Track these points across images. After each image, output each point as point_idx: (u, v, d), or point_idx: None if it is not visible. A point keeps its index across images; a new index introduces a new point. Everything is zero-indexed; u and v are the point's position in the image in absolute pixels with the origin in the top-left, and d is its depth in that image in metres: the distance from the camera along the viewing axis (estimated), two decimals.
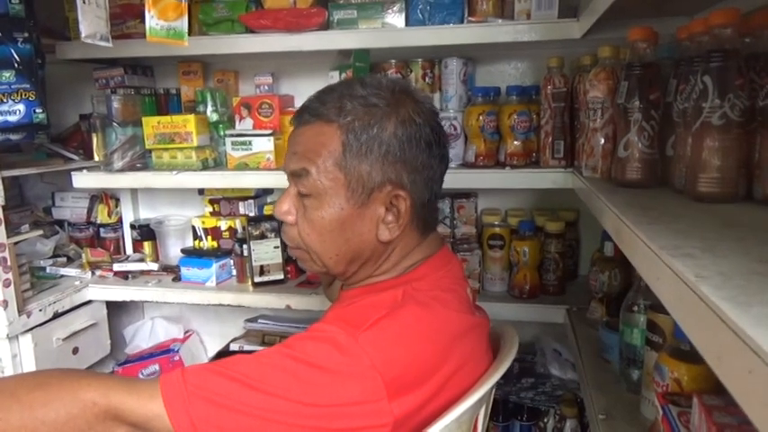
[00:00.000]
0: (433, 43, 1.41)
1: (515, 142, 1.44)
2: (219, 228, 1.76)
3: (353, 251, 0.83)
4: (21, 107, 1.37)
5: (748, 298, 0.38)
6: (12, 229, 1.47)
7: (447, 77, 1.53)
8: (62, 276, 1.69)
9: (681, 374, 0.77)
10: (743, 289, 0.40)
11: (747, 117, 0.70)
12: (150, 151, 1.62)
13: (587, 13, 1.20)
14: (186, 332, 1.99)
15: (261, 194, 1.80)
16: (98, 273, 1.72)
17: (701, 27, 0.76)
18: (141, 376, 1.76)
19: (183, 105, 1.80)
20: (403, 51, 1.53)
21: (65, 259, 1.77)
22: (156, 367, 1.79)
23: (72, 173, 1.64)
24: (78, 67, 1.77)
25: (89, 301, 1.66)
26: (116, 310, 1.85)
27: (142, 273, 1.74)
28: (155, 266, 1.74)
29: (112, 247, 1.89)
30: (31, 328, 1.45)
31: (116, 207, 1.93)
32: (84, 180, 1.65)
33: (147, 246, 1.84)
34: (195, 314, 2.01)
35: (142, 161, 1.64)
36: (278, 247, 1.60)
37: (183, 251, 1.76)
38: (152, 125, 1.58)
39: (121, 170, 1.61)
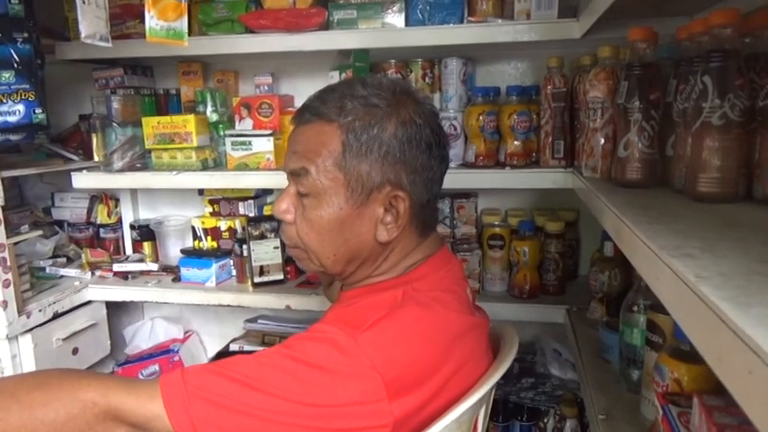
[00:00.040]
0: (433, 43, 1.41)
1: (515, 142, 1.44)
2: (219, 228, 1.76)
3: (352, 251, 0.83)
4: (20, 107, 1.37)
5: (748, 298, 0.38)
6: (11, 230, 1.47)
7: (447, 77, 1.53)
8: (62, 277, 1.69)
9: (681, 374, 0.77)
10: (743, 289, 0.40)
11: (747, 117, 0.70)
12: (150, 151, 1.62)
13: (587, 14, 1.20)
14: (186, 332, 1.99)
15: (261, 195, 1.80)
16: (98, 273, 1.72)
17: (701, 27, 0.76)
18: (141, 377, 1.76)
19: (183, 105, 1.80)
20: (403, 51, 1.53)
21: (64, 260, 1.77)
22: (156, 368, 1.79)
23: (72, 173, 1.64)
24: (78, 67, 1.77)
25: (89, 302, 1.66)
26: (116, 310, 1.85)
27: (142, 273, 1.73)
28: (154, 267, 1.74)
29: (112, 248, 1.89)
30: (31, 329, 1.45)
31: (116, 207, 1.93)
32: (83, 180, 1.65)
33: (146, 246, 1.84)
34: (195, 314, 2.01)
35: (142, 161, 1.64)
36: (278, 248, 1.60)
37: (182, 251, 1.76)
38: (152, 125, 1.58)
39: (121, 170, 1.61)
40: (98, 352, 1.70)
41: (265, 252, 1.60)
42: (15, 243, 1.44)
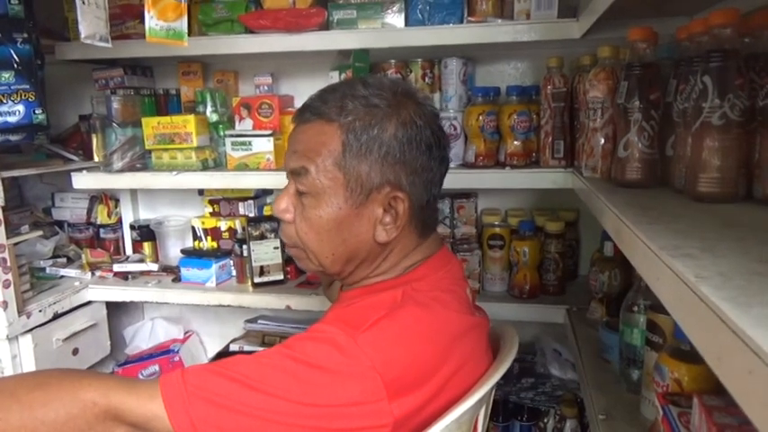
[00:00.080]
0: (433, 43, 1.41)
1: (515, 142, 1.44)
2: (219, 228, 1.76)
3: (350, 251, 0.83)
4: (20, 108, 1.37)
5: (748, 298, 0.38)
6: (11, 230, 1.47)
7: (447, 77, 1.53)
8: (62, 277, 1.69)
9: (681, 375, 0.77)
10: (743, 289, 0.40)
11: (747, 117, 0.70)
12: (150, 152, 1.62)
13: (587, 13, 1.20)
14: (186, 333, 1.99)
15: (260, 195, 1.80)
16: (98, 273, 1.72)
17: (701, 27, 0.76)
18: (141, 377, 1.76)
19: (183, 106, 1.80)
20: (403, 51, 1.53)
21: (64, 260, 1.77)
22: (156, 368, 1.79)
23: (72, 173, 1.64)
24: (78, 67, 1.77)
25: (89, 302, 1.66)
26: (116, 310, 1.85)
27: (142, 273, 1.74)
28: (154, 267, 1.74)
29: (112, 248, 1.89)
30: (31, 329, 1.45)
31: (116, 208, 1.93)
32: (83, 181, 1.65)
33: (146, 246, 1.84)
34: (195, 315, 2.01)
35: (142, 162, 1.64)
36: (278, 248, 1.60)
37: (182, 252, 1.76)
38: (152, 126, 1.58)
39: (121, 171, 1.62)
40: (98, 352, 1.70)
41: (265, 252, 1.60)
42: (15, 243, 1.44)
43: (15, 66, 1.36)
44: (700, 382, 0.74)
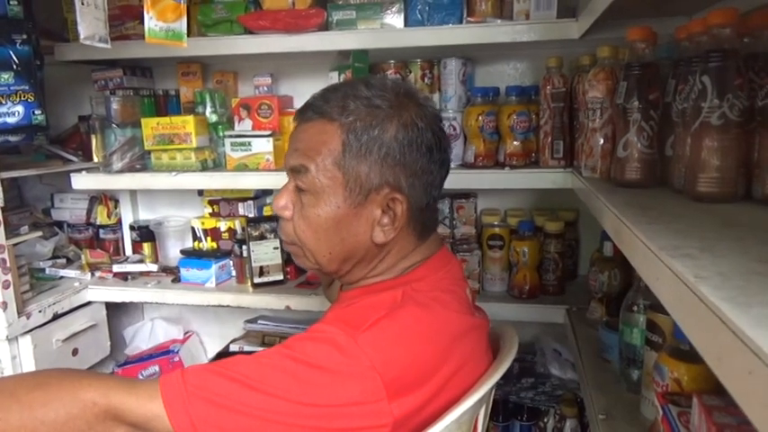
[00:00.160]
0: (432, 44, 1.41)
1: (515, 142, 1.44)
2: (219, 229, 1.76)
3: (347, 251, 0.83)
4: (20, 109, 1.37)
5: (748, 298, 0.38)
6: (11, 231, 1.47)
7: (446, 78, 1.53)
8: (61, 278, 1.69)
9: (681, 374, 0.77)
10: (742, 289, 0.40)
11: (746, 117, 0.70)
12: (149, 152, 1.62)
13: (586, 14, 1.20)
14: (186, 333, 1.99)
15: (260, 195, 1.80)
16: (97, 274, 1.72)
17: (700, 27, 0.76)
18: (141, 377, 1.76)
19: (183, 106, 1.80)
20: (402, 52, 1.53)
21: (64, 260, 1.77)
22: (156, 368, 1.79)
23: (71, 174, 1.64)
24: (77, 68, 1.77)
25: (89, 303, 1.66)
26: (116, 311, 1.85)
27: (141, 274, 1.73)
28: (154, 267, 1.74)
29: (112, 249, 1.89)
30: (31, 330, 1.45)
31: (115, 208, 1.93)
32: (83, 181, 1.64)
33: (146, 247, 1.84)
34: (195, 315, 2.01)
35: (141, 162, 1.64)
36: (277, 248, 1.60)
37: (182, 252, 1.76)
38: (151, 126, 1.58)
39: (121, 171, 1.61)
40: (98, 353, 1.70)
41: (265, 252, 1.60)
42: (15, 244, 1.44)
43: (15, 66, 1.36)
44: (699, 382, 0.74)
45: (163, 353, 1.85)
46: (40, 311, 1.48)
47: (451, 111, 1.51)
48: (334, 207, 0.80)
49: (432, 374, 0.74)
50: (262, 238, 1.59)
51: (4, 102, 1.35)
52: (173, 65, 1.80)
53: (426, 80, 1.57)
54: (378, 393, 0.68)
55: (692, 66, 0.74)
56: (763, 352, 0.31)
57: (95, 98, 1.73)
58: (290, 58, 1.66)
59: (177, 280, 1.68)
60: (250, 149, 1.55)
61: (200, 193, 1.82)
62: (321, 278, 1.28)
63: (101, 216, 1.90)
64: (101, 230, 1.90)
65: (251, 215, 1.76)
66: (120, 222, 1.93)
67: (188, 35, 1.30)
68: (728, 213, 0.67)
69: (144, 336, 1.94)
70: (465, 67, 1.53)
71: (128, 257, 1.84)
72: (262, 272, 1.61)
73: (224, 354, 1.78)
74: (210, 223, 1.77)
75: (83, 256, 1.78)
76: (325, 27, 1.48)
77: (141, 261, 1.79)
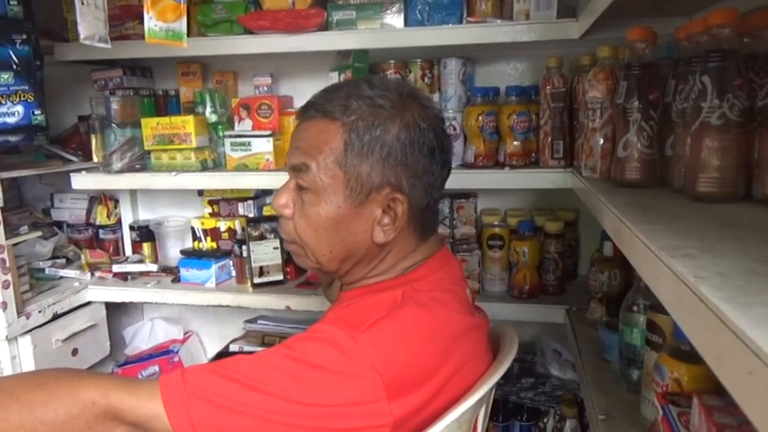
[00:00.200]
0: (432, 44, 1.41)
1: (515, 142, 1.44)
2: (219, 229, 1.76)
3: (347, 250, 0.83)
4: (19, 109, 1.37)
5: (748, 298, 0.38)
6: (11, 231, 1.47)
7: (446, 78, 1.53)
8: (61, 278, 1.69)
9: (681, 374, 0.77)
10: (742, 289, 0.40)
11: (746, 117, 0.70)
12: (149, 152, 1.62)
13: (586, 14, 1.20)
14: (186, 333, 1.99)
15: (260, 195, 1.80)
16: (97, 274, 1.72)
17: (700, 27, 0.76)
18: (141, 377, 1.76)
19: (182, 106, 1.80)
20: (402, 52, 1.53)
21: (64, 260, 1.77)
22: (156, 368, 1.79)
23: (71, 174, 1.64)
24: (77, 68, 1.77)
25: (88, 303, 1.66)
26: (115, 311, 1.85)
27: (141, 274, 1.73)
28: (154, 268, 1.74)
29: (111, 249, 1.89)
30: (31, 330, 1.45)
31: (115, 208, 1.93)
32: (82, 181, 1.64)
33: (146, 247, 1.84)
34: (195, 315, 2.01)
35: (141, 162, 1.64)
36: (277, 248, 1.60)
37: (182, 252, 1.75)
38: (151, 126, 1.58)
39: (120, 171, 1.61)
40: (98, 353, 1.70)
41: (265, 253, 1.60)
42: (15, 244, 1.44)
43: (14, 66, 1.36)
44: (699, 382, 0.74)
45: (162, 353, 1.85)
46: (39, 311, 1.48)
47: (451, 111, 1.51)
48: (334, 206, 0.80)
49: (432, 374, 0.74)
50: (262, 238, 1.59)
51: (3, 102, 1.35)
52: (173, 65, 1.80)
53: (426, 80, 1.57)
54: (378, 393, 0.68)
55: (692, 66, 0.74)
56: (763, 352, 0.31)
57: (95, 98, 1.73)
58: (289, 58, 1.66)
59: (177, 280, 1.68)
60: (250, 149, 1.55)
61: (200, 193, 1.82)
62: (321, 278, 1.28)
63: (100, 216, 1.90)
64: (100, 230, 1.90)
65: (251, 215, 1.76)
66: (119, 222, 1.93)
67: (188, 35, 1.30)
68: (728, 213, 0.67)
69: (144, 336, 1.94)
70: (465, 67, 1.53)
71: (127, 257, 1.84)
72: (262, 272, 1.61)
73: (224, 354, 1.78)
74: (210, 223, 1.77)
75: (82, 256, 1.78)
76: (325, 27, 1.48)
77: (141, 261, 1.79)
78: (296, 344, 0.72)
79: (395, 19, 1.45)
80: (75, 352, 1.59)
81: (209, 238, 1.77)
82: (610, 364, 1.14)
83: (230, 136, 1.58)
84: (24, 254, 1.55)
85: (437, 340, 0.76)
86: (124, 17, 1.58)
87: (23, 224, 1.69)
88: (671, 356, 0.80)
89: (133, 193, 1.95)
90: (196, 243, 1.78)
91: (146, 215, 1.97)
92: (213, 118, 1.67)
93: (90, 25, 1.20)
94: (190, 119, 1.56)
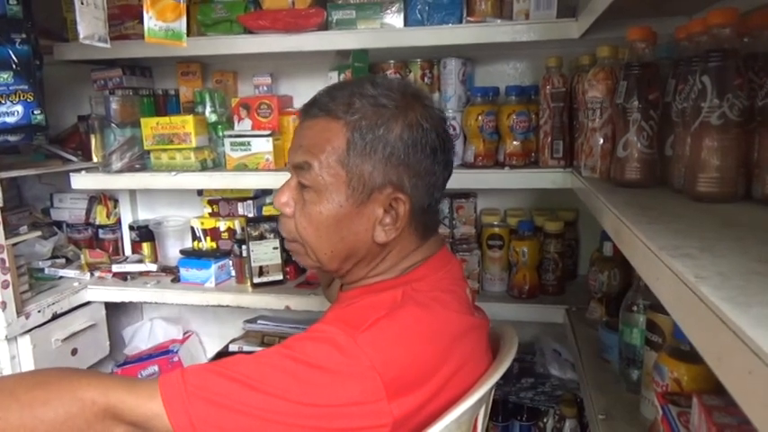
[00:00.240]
0: (432, 43, 1.41)
1: (514, 142, 1.44)
2: (218, 228, 1.76)
3: (348, 249, 0.83)
4: (19, 108, 1.37)
5: (748, 298, 0.38)
6: (10, 231, 1.47)
7: (446, 77, 1.53)
8: (61, 277, 1.69)
9: (680, 374, 0.77)
10: (742, 289, 0.40)
11: (746, 117, 0.70)
12: (149, 152, 1.62)
13: (586, 13, 1.20)
14: (185, 333, 1.99)
15: (260, 195, 1.80)
16: (97, 274, 1.72)
17: (700, 27, 0.76)
18: (140, 377, 1.76)
19: (182, 106, 1.80)
20: (402, 51, 1.53)
21: (63, 260, 1.77)
22: (156, 368, 1.79)
23: (70, 174, 1.64)
24: (76, 68, 1.77)
25: (88, 303, 1.66)
26: (115, 311, 1.85)
27: (141, 274, 1.73)
28: (153, 267, 1.74)
29: (111, 249, 1.89)
30: (30, 330, 1.45)
31: (115, 208, 1.93)
32: (82, 181, 1.64)
33: (145, 247, 1.83)
34: (194, 315, 2.01)
35: (141, 162, 1.64)
36: (277, 248, 1.60)
37: (181, 252, 1.75)
38: (151, 126, 1.58)
39: (120, 171, 1.61)
40: (97, 353, 1.70)
41: (264, 252, 1.60)
42: (14, 244, 1.44)
43: (14, 66, 1.36)
44: (699, 382, 0.74)
45: (162, 353, 1.84)
46: (39, 311, 1.48)
47: (451, 110, 1.51)
48: (336, 205, 0.80)
49: (431, 374, 0.74)
50: (261, 237, 1.59)
51: (3, 101, 1.35)
52: (172, 64, 1.80)
53: (426, 80, 1.57)
54: (377, 393, 0.68)
55: (692, 65, 0.74)
56: (763, 352, 0.31)
57: (95, 98, 1.73)
58: (289, 58, 1.66)
59: (177, 280, 1.68)
60: (249, 149, 1.55)
61: (200, 192, 1.82)
62: (320, 278, 1.28)
63: (100, 216, 1.90)
64: (100, 230, 1.90)
65: (250, 215, 1.75)
66: (119, 222, 1.93)
67: (187, 35, 1.30)
68: (728, 213, 0.67)
69: (143, 336, 1.94)
70: (465, 67, 1.53)
71: (127, 257, 1.84)
72: (261, 272, 1.61)
73: (223, 354, 1.78)
74: (210, 223, 1.77)
75: (82, 256, 1.78)
76: (325, 27, 1.48)
77: (140, 261, 1.79)
78: (296, 344, 0.72)
79: (395, 19, 1.45)
80: (74, 352, 1.59)
81: (208, 238, 1.77)
82: (609, 363, 1.14)
83: (230, 136, 1.58)
84: (24, 254, 1.55)
85: (437, 340, 0.76)
86: (124, 17, 1.58)
87: (23, 224, 1.69)
88: (671, 356, 0.80)
89: (133, 192, 1.95)
90: (196, 243, 1.78)
91: (145, 215, 1.97)
92: (213, 118, 1.67)
93: (89, 25, 1.20)
94: (189, 119, 1.56)
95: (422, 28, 1.43)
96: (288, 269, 1.64)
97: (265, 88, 1.72)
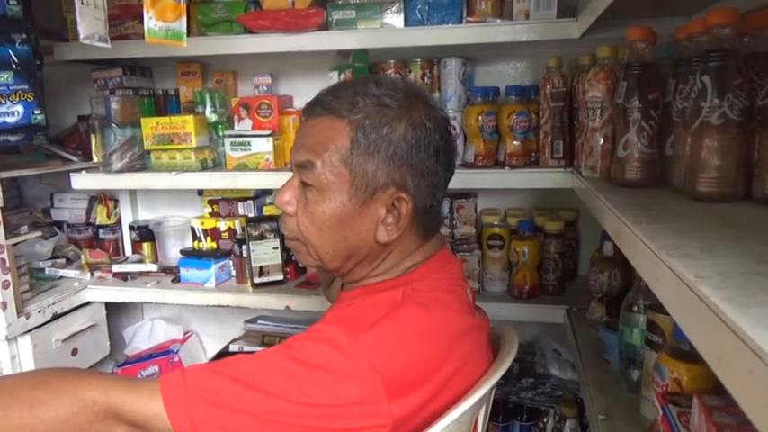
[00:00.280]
0: (432, 43, 1.41)
1: (514, 142, 1.44)
2: (219, 228, 1.76)
3: (350, 248, 0.83)
4: (19, 108, 1.37)
5: (748, 298, 0.38)
6: (10, 231, 1.47)
7: (446, 77, 1.53)
8: (61, 278, 1.69)
9: (681, 374, 0.77)
10: (742, 289, 0.40)
11: (746, 116, 0.70)
12: (149, 152, 1.62)
13: (586, 13, 1.20)
14: (185, 333, 1.99)
15: (260, 195, 1.80)
16: (97, 274, 1.72)
17: (700, 27, 0.76)
18: (140, 377, 1.76)
19: (182, 106, 1.80)
20: (402, 51, 1.53)
21: (64, 260, 1.77)
22: (156, 368, 1.79)
23: (71, 174, 1.64)
24: (76, 68, 1.77)
25: (88, 303, 1.66)
26: (115, 311, 1.85)
27: (141, 274, 1.73)
28: (154, 267, 1.74)
29: (111, 249, 1.89)
30: (30, 330, 1.45)
31: (115, 208, 1.93)
32: (82, 181, 1.64)
33: (146, 247, 1.84)
34: (194, 315, 2.01)
35: (141, 162, 1.64)
36: (277, 248, 1.60)
37: (182, 252, 1.75)
38: (151, 126, 1.58)
39: (120, 171, 1.61)
40: (97, 353, 1.70)
41: (265, 252, 1.60)
42: (14, 244, 1.44)
43: (14, 66, 1.36)
44: (699, 382, 0.74)
45: (162, 353, 1.84)
46: (39, 311, 1.48)
47: (451, 110, 1.51)
48: (339, 204, 0.80)
49: (432, 374, 0.74)
50: (261, 237, 1.59)
51: (3, 101, 1.35)
52: (172, 64, 1.80)
53: (426, 80, 1.57)
54: (378, 393, 0.68)
55: (692, 65, 0.74)
56: (763, 351, 0.31)
57: (95, 98, 1.73)
58: (289, 58, 1.66)
59: (177, 280, 1.68)
60: (250, 149, 1.55)
61: (200, 192, 1.82)
62: (321, 278, 1.28)
63: (100, 216, 1.90)
64: (100, 230, 1.90)
65: (251, 215, 1.76)
66: (119, 222, 1.93)
67: (188, 35, 1.30)
68: (728, 213, 0.67)
69: (143, 336, 1.94)
70: (465, 67, 1.53)
71: (127, 257, 1.84)
72: (261, 272, 1.61)
73: (224, 354, 1.78)
74: (210, 223, 1.77)
75: (82, 256, 1.78)
76: (325, 27, 1.48)
77: (141, 261, 1.79)
78: (296, 344, 0.72)
79: (395, 19, 1.45)
80: (74, 352, 1.59)
81: (208, 238, 1.77)
82: (610, 363, 1.14)
83: (230, 136, 1.58)
84: (24, 254, 1.55)
85: (437, 340, 0.76)
86: (124, 17, 1.58)
87: (23, 224, 1.69)
88: (671, 356, 0.80)
89: (133, 192, 1.95)
90: (196, 243, 1.78)
91: (145, 215, 1.97)
92: (213, 118, 1.67)
93: (90, 25, 1.20)
94: (190, 118, 1.56)
95: (422, 28, 1.43)
96: (288, 269, 1.64)
97: (265, 88, 1.72)
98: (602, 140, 1.04)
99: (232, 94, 1.77)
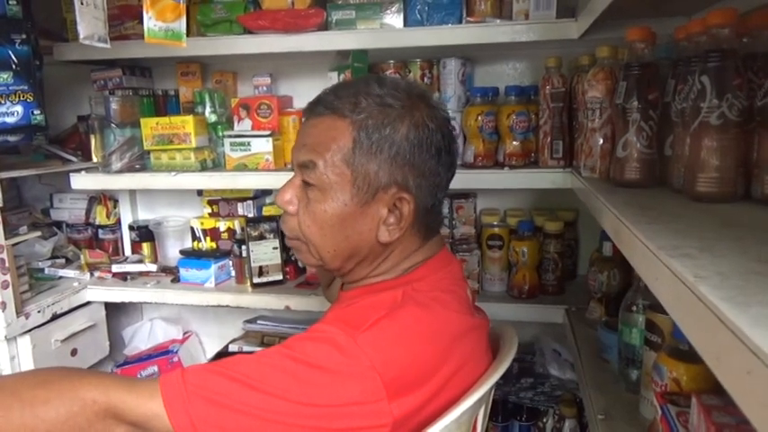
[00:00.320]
0: (432, 44, 1.41)
1: (514, 142, 1.44)
2: (218, 229, 1.76)
3: (352, 248, 0.83)
4: (19, 108, 1.37)
5: (747, 298, 0.38)
6: (10, 231, 1.47)
7: (445, 78, 1.53)
8: (60, 278, 1.69)
9: (680, 374, 0.77)
10: (741, 289, 0.40)
11: (745, 117, 0.70)
12: (149, 152, 1.62)
13: (585, 14, 1.20)
14: (185, 333, 1.99)
15: (259, 195, 1.80)
16: (97, 274, 1.71)
17: (699, 27, 0.76)
18: (140, 377, 1.76)
19: (182, 106, 1.80)
20: (401, 52, 1.53)
21: (63, 260, 1.77)
22: (155, 368, 1.79)
23: (70, 174, 1.64)
24: (76, 68, 1.77)
25: (88, 303, 1.66)
26: (115, 311, 1.85)
27: (141, 274, 1.73)
28: (153, 268, 1.74)
29: (111, 249, 1.89)
30: (30, 330, 1.45)
31: (114, 208, 1.93)
32: (82, 181, 1.64)
33: (145, 247, 1.84)
34: (194, 315, 2.01)
35: (140, 162, 1.64)
36: (277, 248, 1.60)
37: (181, 252, 1.75)
38: (150, 126, 1.58)
39: (120, 171, 1.61)
40: (97, 353, 1.69)
41: (264, 253, 1.60)
42: (14, 244, 1.44)
43: (14, 66, 1.36)
44: (698, 382, 0.74)
45: (162, 353, 1.84)
46: (38, 311, 1.48)
47: (451, 111, 1.50)
48: (340, 204, 0.80)
49: (432, 374, 0.74)
50: (261, 238, 1.59)
51: (3, 101, 1.35)
52: (172, 65, 1.80)
53: (426, 80, 1.57)
54: (378, 393, 0.68)
55: (692, 66, 0.74)
56: (761, 351, 0.31)
57: (94, 98, 1.73)
58: (289, 58, 1.66)
59: (176, 280, 1.68)
60: (249, 149, 1.55)
61: (200, 193, 1.82)
62: (321, 278, 1.28)
63: (100, 216, 1.90)
64: (100, 230, 1.90)
65: (250, 215, 1.75)
66: (119, 222, 1.93)
67: (187, 35, 1.30)
68: (728, 213, 0.68)
69: (143, 336, 1.94)
70: (464, 67, 1.53)
71: (127, 257, 1.84)
72: (261, 272, 1.61)
73: (223, 354, 1.78)
74: (210, 223, 1.77)
75: (82, 257, 1.78)
76: (325, 27, 1.48)
77: (140, 261, 1.79)
78: (296, 344, 0.72)
79: (394, 19, 1.45)
80: (74, 352, 1.59)
81: (208, 238, 1.77)
82: (609, 363, 1.15)
83: (230, 136, 1.58)
84: (24, 254, 1.55)
85: (437, 340, 0.76)
86: (123, 17, 1.58)
87: (23, 224, 1.69)
88: (670, 356, 0.80)
89: (132, 193, 1.95)
90: (195, 243, 1.78)
91: (145, 215, 1.97)
92: (213, 118, 1.67)
93: (89, 25, 1.20)
94: (189, 119, 1.56)
95: (421, 28, 1.43)
96: (288, 269, 1.64)
97: (265, 88, 1.72)
98: (601, 141, 1.04)
99: (232, 95, 1.77)
